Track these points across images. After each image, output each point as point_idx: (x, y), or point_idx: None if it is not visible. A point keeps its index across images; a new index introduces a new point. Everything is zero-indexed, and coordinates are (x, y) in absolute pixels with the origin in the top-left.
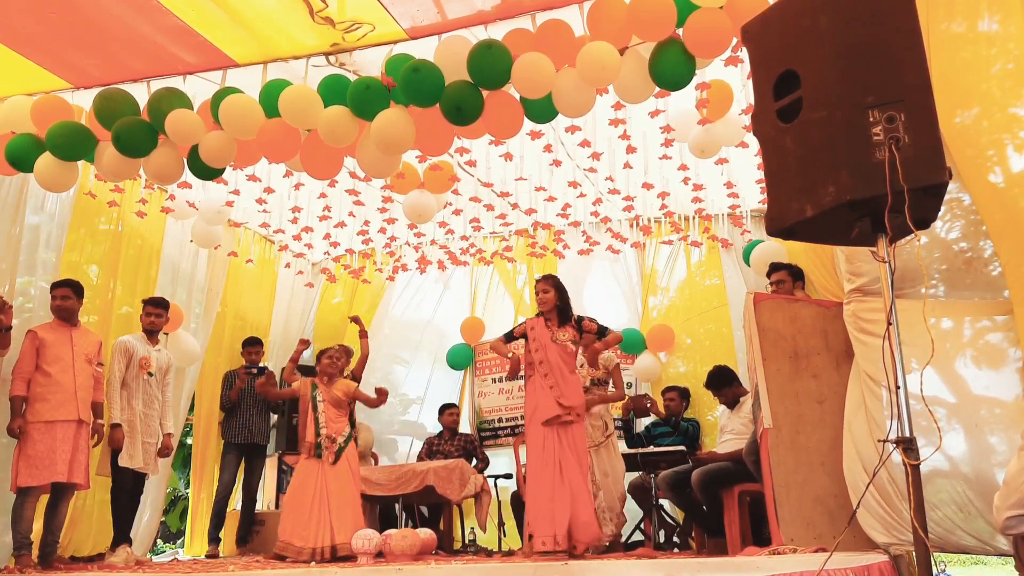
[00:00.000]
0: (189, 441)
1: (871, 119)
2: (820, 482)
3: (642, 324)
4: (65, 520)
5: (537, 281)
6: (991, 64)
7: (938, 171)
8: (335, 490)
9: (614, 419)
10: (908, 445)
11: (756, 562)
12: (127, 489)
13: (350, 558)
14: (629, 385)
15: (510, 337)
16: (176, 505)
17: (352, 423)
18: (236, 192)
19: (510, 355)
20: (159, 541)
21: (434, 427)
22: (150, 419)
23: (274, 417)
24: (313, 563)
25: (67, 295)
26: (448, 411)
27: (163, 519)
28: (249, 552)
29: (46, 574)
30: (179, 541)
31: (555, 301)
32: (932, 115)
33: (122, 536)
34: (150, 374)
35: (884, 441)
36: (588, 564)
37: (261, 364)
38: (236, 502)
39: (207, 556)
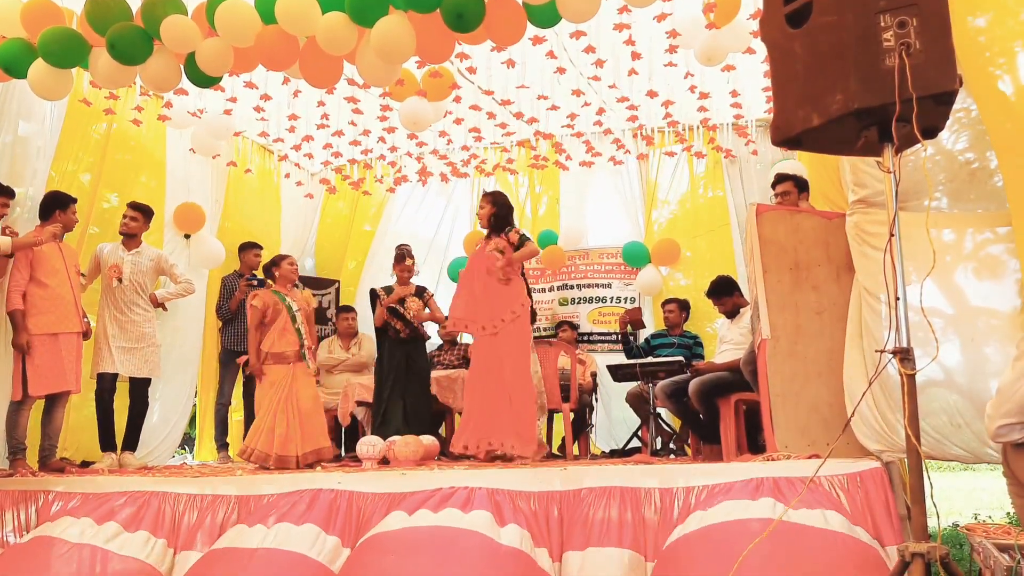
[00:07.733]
0: None
1: (882, 24)
2: (816, 391)
3: (646, 238)
4: (62, 425)
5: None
6: None
7: (948, 78)
8: (305, 398)
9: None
10: (905, 355)
11: (751, 467)
12: (102, 395)
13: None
14: (633, 300)
15: None
16: None
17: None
18: (233, 99)
19: None
20: None
21: (434, 340)
22: (126, 324)
23: None
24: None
25: (75, 211)
26: (439, 329)
27: None
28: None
29: (56, 476)
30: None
31: (489, 214)
32: (945, 20)
33: (106, 443)
34: (119, 280)
35: (881, 352)
36: (587, 469)
37: (260, 275)
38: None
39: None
